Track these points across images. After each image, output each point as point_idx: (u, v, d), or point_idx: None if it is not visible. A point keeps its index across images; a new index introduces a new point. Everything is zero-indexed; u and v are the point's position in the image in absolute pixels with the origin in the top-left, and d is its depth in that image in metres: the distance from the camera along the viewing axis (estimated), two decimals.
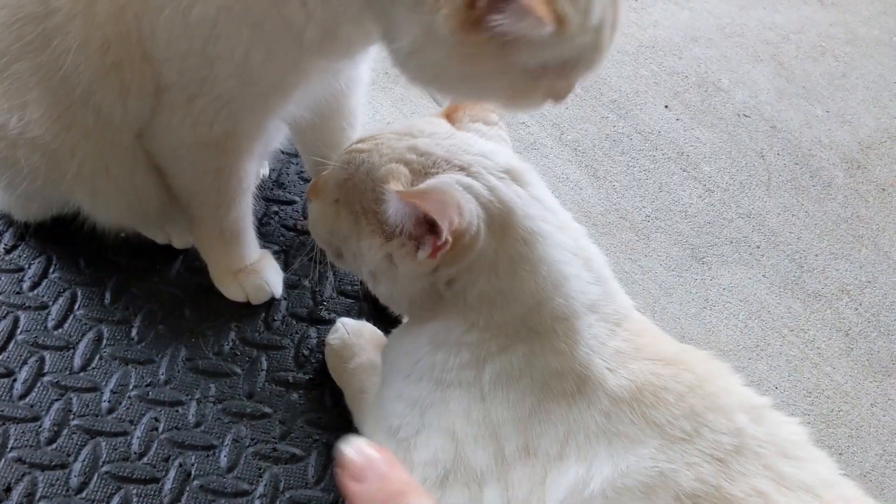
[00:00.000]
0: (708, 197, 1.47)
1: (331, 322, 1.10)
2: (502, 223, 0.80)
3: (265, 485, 0.99)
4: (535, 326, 0.79)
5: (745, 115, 1.64)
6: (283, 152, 1.25)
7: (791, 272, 1.37)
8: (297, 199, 1.28)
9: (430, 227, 0.76)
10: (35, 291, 1.12)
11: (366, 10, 0.80)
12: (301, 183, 1.31)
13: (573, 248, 0.86)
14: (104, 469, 0.97)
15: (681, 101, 1.64)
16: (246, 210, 1.07)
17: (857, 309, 1.33)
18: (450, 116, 0.93)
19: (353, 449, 0.53)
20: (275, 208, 1.26)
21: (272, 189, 1.27)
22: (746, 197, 1.49)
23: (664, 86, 1.67)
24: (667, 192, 1.47)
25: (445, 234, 0.73)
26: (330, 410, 1.04)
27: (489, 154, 0.86)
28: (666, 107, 1.63)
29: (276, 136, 1.03)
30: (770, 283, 1.35)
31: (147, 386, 1.05)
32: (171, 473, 0.98)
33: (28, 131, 0.94)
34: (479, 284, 0.79)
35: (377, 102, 1.51)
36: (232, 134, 0.94)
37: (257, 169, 1.07)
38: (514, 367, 0.79)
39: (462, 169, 0.82)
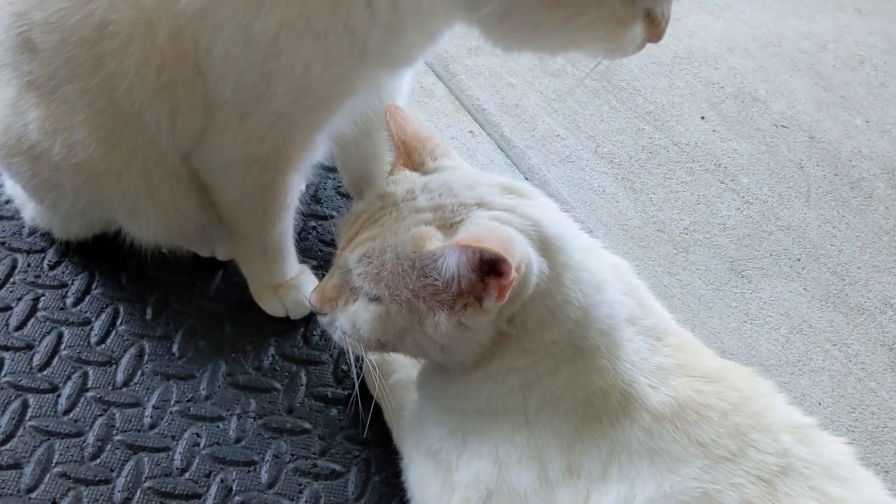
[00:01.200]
0: (746, 209, 1.46)
1: None
2: (539, 240, 0.79)
3: (306, 501, 0.99)
4: (580, 343, 0.79)
5: (783, 125, 1.62)
6: (321, 167, 1.26)
7: (833, 285, 1.35)
8: (334, 213, 1.29)
9: (485, 272, 0.73)
10: (78, 307, 1.14)
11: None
12: (338, 198, 1.31)
13: (597, 253, 0.86)
14: (147, 484, 0.98)
15: (717, 113, 1.63)
16: (288, 226, 1.08)
17: None
18: (409, 166, 0.89)
19: None
20: (312, 223, 1.27)
21: (310, 204, 1.28)
22: (786, 209, 1.47)
23: (700, 97, 1.66)
24: (705, 204, 1.46)
25: (514, 267, 0.71)
26: (369, 426, 1.04)
27: (484, 181, 0.84)
28: (702, 118, 1.61)
29: (320, 150, 1.03)
30: (811, 296, 1.33)
31: (188, 401, 1.06)
32: (213, 489, 0.99)
33: (73, 156, 0.95)
34: (538, 308, 0.78)
35: (413, 117, 1.51)
36: (282, 149, 0.95)
37: (301, 184, 1.07)
38: (559, 387, 0.78)
39: (478, 205, 0.80)
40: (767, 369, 1.20)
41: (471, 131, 1.51)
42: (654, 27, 0.82)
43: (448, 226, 0.79)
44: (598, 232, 1.38)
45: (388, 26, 0.82)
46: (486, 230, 0.75)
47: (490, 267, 0.72)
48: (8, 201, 1.21)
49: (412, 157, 0.90)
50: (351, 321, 0.83)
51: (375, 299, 0.80)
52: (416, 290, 0.78)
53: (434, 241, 0.76)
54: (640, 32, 0.81)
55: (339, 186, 1.33)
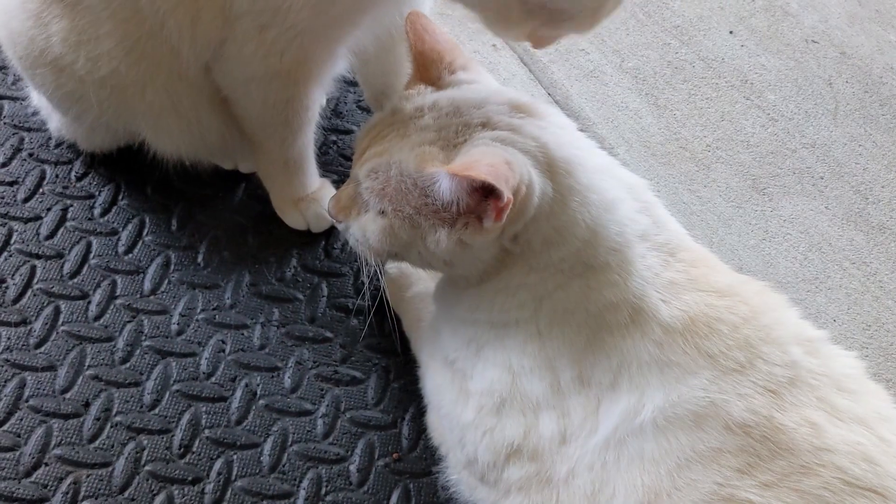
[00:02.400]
0: (771, 126, 1.44)
1: None
2: (545, 161, 0.79)
3: (327, 405, 1.03)
4: (589, 261, 0.80)
5: (813, 40, 1.59)
6: (342, 81, 1.26)
7: (855, 204, 1.34)
8: (354, 128, 1.29)
9: (485, 193, 0.74)
10: (105, 218, 1.16)
11: None
12: (359, 112, 1.32)
13: (612, 172, 0.86)
14: (175, 388, 1.02)
15: (746, 27, 1.59)
16: (309, 140, 1.09)
17: None
18: (425, 80, 0.89)
19: None
20: (333, 138, 1.28)
21: (330, 118, 1.28)
22: (812, 126, 1.45)
23: (729, 10, 1.62)
24: (729, 121, 1.44)
25: (507, 194, 0.71)
26: (388, 336, 1.07)
27: (493, 99, 0.84)
28: (731, 32, 1.58)
29: (341, 64, 1.02)
30: (833, 214, 1.33)
31: (213, 310, 1.09)
32: (238, 393, 1.03)
33: (97, 69, 0.96)
34: (542, 229, 0.79)
35: (437, 26, 1.49)
36: (302, 63, 0.95)
37: (322, 98, 1.07)
38: (570, 301, 0.80)
39: (483, 125, 0.80)
40: (784, 286, 1.21)
41: (493, 45, 1.49)
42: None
43: (451, 146, 0.79)
44: (620, 149, 1.37)
45: None
46: (480, 155, 0.75)
47: (487, 189, 0.73)
48: (34, 113, 1.22)
49: (429, 70, 0.89)
50: (361, 231, 0.84)
51: (381, 213, 0.81)
52: (417, 207, 0.79)
53: (434, 162, 0.77)
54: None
55: (359, 100, 1.33)
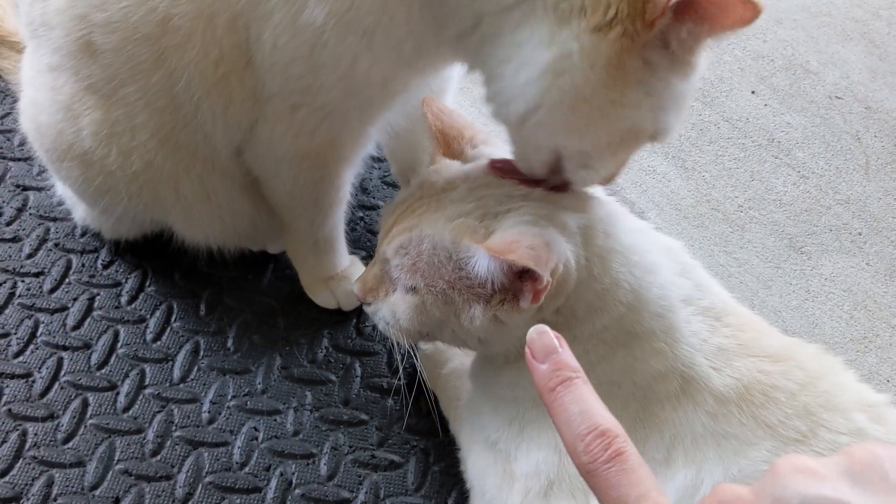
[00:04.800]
0: (803, 184, 1.42)
1: None
2: (582, 229, 0.77)
3: (366, 492, 0.99)
4: (633, 328, 0.77)
5: (837, 96, 1.58)
6: (368, 157, 1.25)
7: None
8: (380, 203, 1.28)
9: (520, 274, 0.71)
10: (133, 305, 1.15)
11: (458, 48, 0.79)
12: (385, 187, 1.31)
13: (648, 235, 0.83)
14: (207, 479, 0.99)
15: (768, 86, 1.59)
16: (340, 219, 1.07)
17: None
18: (449, 155, 0.88)
19: (535, 332, 0.55)
20: (360, 214, 1.27)
21: (357, 195, 1.27)
22: (844, 182, 1.42)
23: (749, 71, 1.62)
24: (759, 180, 1.42)
25: (546, 277, 0.69)
26: (426, 416, 1.04)
27: None
28: (753, 92, 1.57)
29: (372, 143, 1.02)
30: (875, 271, 1.29)
31: (245, 396, 1.06)
32: (273, 483, 0.99)
33: (129, 164, 0.95)
34: (585, 295, 0.76)
35: (455, 103, 1.49)
36: (333, 144, 0.94)
37: (353, 178, 1.07)
38: (616, 373, 0.76)
39: (523, 196, 0.78)
40: (832, 347, 1.17)
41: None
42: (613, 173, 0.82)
43: (492, 215, 0.77)
44: (651, 213, 1.35)
45: (419, 40, 0.80)
46: (519, 235, 0.72)
47: (524, 270, 0.70)
48: (60, 203, 1.22)
49: (451, 146, 0.88)
50: (391, 311, 0.81)
51: (412, 290, 0.79)
52: (451, 281, 0.76)
53: (472, 236, 0.74)
54: (617, 165, 0.81)
55: (385, 175, 1.32)
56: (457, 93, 1.45)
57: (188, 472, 0.99)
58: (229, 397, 1.06)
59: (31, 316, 1.12)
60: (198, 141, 0.94)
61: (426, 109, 0.89)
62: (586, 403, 0.50)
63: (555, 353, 0.53)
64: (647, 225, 0.86)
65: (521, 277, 0.72)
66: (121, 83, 0.91)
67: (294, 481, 0.99)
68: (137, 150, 0.95)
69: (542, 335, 0.54)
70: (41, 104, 0.99)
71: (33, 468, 0.99)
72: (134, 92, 0.91)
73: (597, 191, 0.85)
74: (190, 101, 0.89)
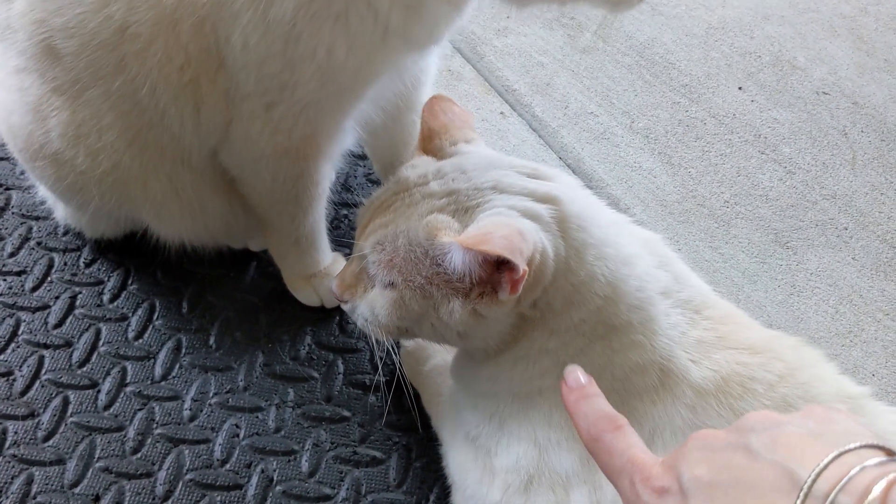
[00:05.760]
0: (789, 179, 1.41)
1: None
2: (556, 220, 0.76)
3: (347, 489, 0.98)
4: (611, 320, 0.76)
5: (824, 92, 1.57)
6: (351, 155, 1.25)
7: (883, 253, 1.31)
8: (364, 200, 1.27)
9: (497, 265, 0.71)
10: (115, 303, 1.14)
11: None
12: (369, 185, 1.30)
13: (624, 227, 0.83)
14: (188, 477, 0.98)
15: (755, 82, 1.58)
16: (320, 215, 1.07)
17: None
18: (428, 151, 0.88)
19: (569, 373, 0.60)
20: (343, 212, 1.26)
21: (340, 192, 1.27)
22: (830, 177, 1.42)
23: (737, 67, 1.61)
24: (745, 176, 1.42)
25: (522, 266, 0.68)
26: (408, 412, 1.03)
27: (498, 163, 0.81)
28: (740, 88, 1.57)
29: (349, 138, 1.01)
30: (861, 265, 1.29)
31: (227, 393, 1.06)
32: (254, 479, 0.98)
33: (97, 165, 0.95)
34: (562, 288, 0.75)
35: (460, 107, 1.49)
36: (311, 138, 0.93)
37: (331, 173, 1.06)
38: (595, 365, 0.75)
39: (494, 188, 0.78)
40: (817, 341, 1.17)
41: (501, 112, 1.48)
42: None
43: (463, 210, 0.76)
44: (636, 209, 1.35)
45: (409, 1, 0.80)
46: (492, 227, 0.72)
47: (500, 261, 0.70)
48: (42, 202, 1.21)
49: (432, 142, 0.88)
50: (370, 308, 0.80)
51: (390, 285, 0.78)
52: (429, 276, 0.75)
53: (447, 231, 0.74)
54: None
55: (369, 173, 1.32)
56: (442, 90, 1.45)
57: (169, 469, 0.99)
58: (211, 394, 1.05)
59: (13, 314, 1.12)
60: (166, 141, 0.94)
61: (426, 106, 0.89)
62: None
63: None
64: (624, 218, 0.85)
65: (498, 269, 0.71)
66: (84, 86, 0.91)
67: (275, 478, 0.99)
68: (105, 150, 0.94)
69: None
70: (11, 106, 0.98)
71: (13, 466, 0.98)
72: (98, 95, 0.91)
73: (572, 182, 0.84)
74: (155, 105, 0.89)
